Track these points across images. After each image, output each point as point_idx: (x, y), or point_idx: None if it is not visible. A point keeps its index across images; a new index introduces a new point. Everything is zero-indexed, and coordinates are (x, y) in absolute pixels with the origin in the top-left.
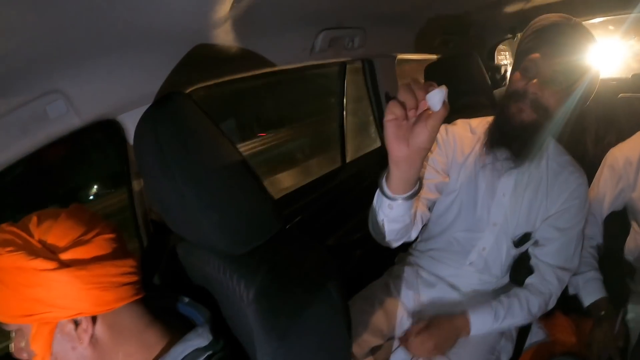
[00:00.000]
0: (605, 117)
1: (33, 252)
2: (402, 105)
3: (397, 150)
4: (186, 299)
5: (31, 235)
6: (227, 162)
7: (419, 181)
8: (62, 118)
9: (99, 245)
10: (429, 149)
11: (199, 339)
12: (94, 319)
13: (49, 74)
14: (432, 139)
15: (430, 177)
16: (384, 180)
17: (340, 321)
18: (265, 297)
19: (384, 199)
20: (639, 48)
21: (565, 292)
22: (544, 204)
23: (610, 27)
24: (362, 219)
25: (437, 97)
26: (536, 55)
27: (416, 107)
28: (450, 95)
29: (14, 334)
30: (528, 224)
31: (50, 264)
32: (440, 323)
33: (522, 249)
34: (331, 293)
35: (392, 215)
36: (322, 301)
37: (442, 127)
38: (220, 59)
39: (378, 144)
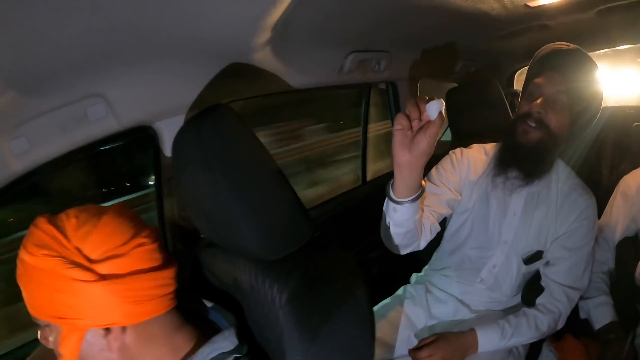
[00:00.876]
0: (620, 145)
1: (70, 260)
2: (408, 117)
3: (400, 156)
4: (211, 304)
5: (68, 239)
6: (266, 171)
7: (421, 188)
8: (101, 121)
9: (137, 257)
10: (429, 156)
11: (225, 342)
12: (124, 329)
13: (93, 77)
14: (431, 146)
15: (443, 194)
16: (390, 185)
17: (366, 326)
18: (298, 300)
19: (390, 203)
20: None
21: (576, 316)
22: (554, 223)
23: (639, 60)
24: (379, 237)
25: (434, 107)
26: (539, 79)
27: (419, 119)
28: (470, 120)
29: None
30: (538, 243)
31: (88, 276)
32: (449, 338)
33: (532, 267)
34: (359, 299)
35: (397, 218)
36: (351, 306)
37: (458, 150)
38: (255, 75)
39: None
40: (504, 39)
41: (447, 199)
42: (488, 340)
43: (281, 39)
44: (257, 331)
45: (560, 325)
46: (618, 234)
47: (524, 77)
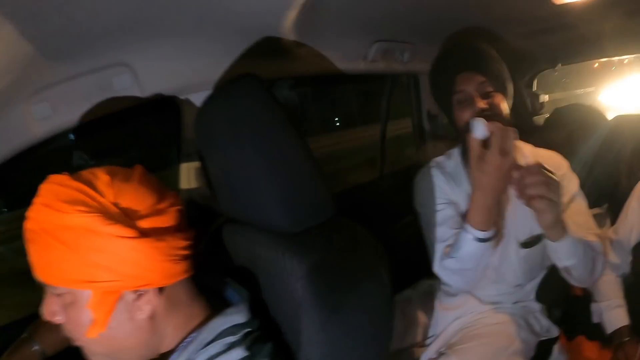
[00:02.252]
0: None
1: (110, 215)
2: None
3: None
4: (226, 279)
5: (103, 196)
6: (294, 144)
7: None
8: (126, 91)
9: (173, 216)
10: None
11: (238, 315)
12: (159, 291)
13: (120, 46)
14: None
15: (452, 211)
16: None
17: (387, 302)
18: (319, 272)
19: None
20: None
21: (588, 319)
22: None
23: None
24: (395, 231)
25: (478, 128)
26: (458, 85)
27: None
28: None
29: (47, 294)
30: (531, 225)
31: (130, 232)
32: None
33: (532, 251)
34: (382, 275)
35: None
36: (373, 282)
37: (422, 173)
38: (281, 57)
39: (416, 158)
40: (527, 39)
41: (456, 213)
42: (571, 228)
43: (309, 21)
44: (274, 307)
45: (600, 267)
46: (633, 237)
47: (546, 79)
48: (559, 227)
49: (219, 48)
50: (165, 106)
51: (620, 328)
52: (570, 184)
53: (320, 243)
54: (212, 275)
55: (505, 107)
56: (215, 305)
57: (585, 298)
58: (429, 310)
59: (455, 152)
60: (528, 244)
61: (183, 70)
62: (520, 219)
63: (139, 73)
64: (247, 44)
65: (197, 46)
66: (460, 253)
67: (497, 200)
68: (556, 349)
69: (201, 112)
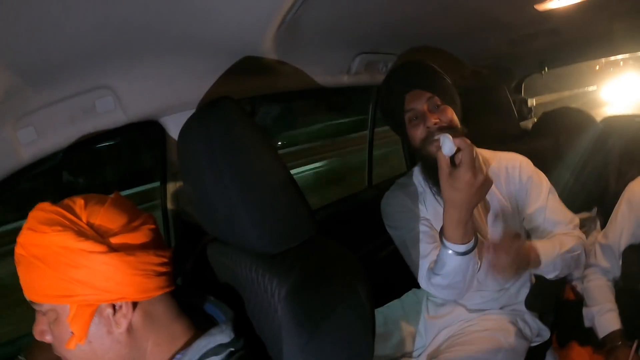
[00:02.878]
0: (628, 153)
1: (82, 233)
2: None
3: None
4: (211, 298)
5: (78, 217)
6: (271, 165)
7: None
8: (109, 114)
9: (145, 233)
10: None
11: (221, 335)
12: (134, 305)
13: (102, 69)
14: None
15: (428, 227)
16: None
17: (367, 322)
18: (298, 294)
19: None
20: None
21: (581, 323)
22: (508, 204)
23: None
24: (382, 242)
25: (446, 145)
26: (407, 105)
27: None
28: (477, 127)
29: (37, 315)
30: (503, 226)
31: (100, 247)
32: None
33: None
34: (360, 295)
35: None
36: (352, 302)
37: (386, 197)
38: (263, 74)
39: (404, 170)
40: (514, 45)
41: (429, 228)
42: (545, 250)
43: (289, 38)
44: (258, 325)
45: (582, 258)
46: (623, 241)
47: (533, 84)
48: (530, 266)
49: (201, 68)
50: (151, 126)
51: (612, 332)
52: (540, 184)
53: (299, 265)
54: (197, 293)
55: (455, 119)
56: (200, 324)
57: (577, 303)
58: (418, 320)
59: (416, 171)
60: None
61: (166, 91)
62: (491, 221)
63: (122, 95)
64: (229, 63)
65: (178, 67)
66: (445, 270)
67: (471, 214)
68: (549, 354)
69: (181, 134)
